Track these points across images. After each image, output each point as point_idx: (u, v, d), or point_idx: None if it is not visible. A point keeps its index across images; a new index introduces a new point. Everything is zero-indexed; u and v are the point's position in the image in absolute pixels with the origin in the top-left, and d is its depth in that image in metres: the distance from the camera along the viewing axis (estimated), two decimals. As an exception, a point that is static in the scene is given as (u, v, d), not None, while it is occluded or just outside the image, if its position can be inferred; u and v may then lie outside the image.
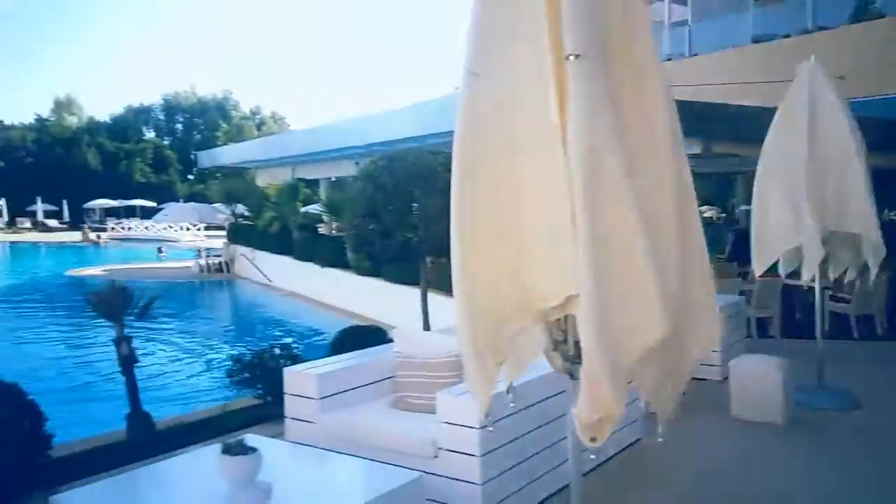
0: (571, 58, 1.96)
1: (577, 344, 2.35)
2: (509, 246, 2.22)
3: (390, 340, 6.25)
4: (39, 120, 65.79)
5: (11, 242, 44.75)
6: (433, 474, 4.15)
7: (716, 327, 2.41)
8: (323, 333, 13.87)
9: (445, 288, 9.85)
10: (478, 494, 4.09)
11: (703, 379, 7.16)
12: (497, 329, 2.33)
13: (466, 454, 4.11)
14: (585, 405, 2.03)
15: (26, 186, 53.85)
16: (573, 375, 2.39)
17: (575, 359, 2.37)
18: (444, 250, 6.86)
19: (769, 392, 6.08)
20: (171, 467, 4.06)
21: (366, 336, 6.53)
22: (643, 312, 2.04)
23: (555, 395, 4.57)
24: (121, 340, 5.49)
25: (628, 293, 2.03)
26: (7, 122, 64.03)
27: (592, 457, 2.67)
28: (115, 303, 5.36)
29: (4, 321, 17.95)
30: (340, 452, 4.30)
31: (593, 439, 2.13)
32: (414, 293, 11.09)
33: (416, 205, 6.43)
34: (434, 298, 8.07)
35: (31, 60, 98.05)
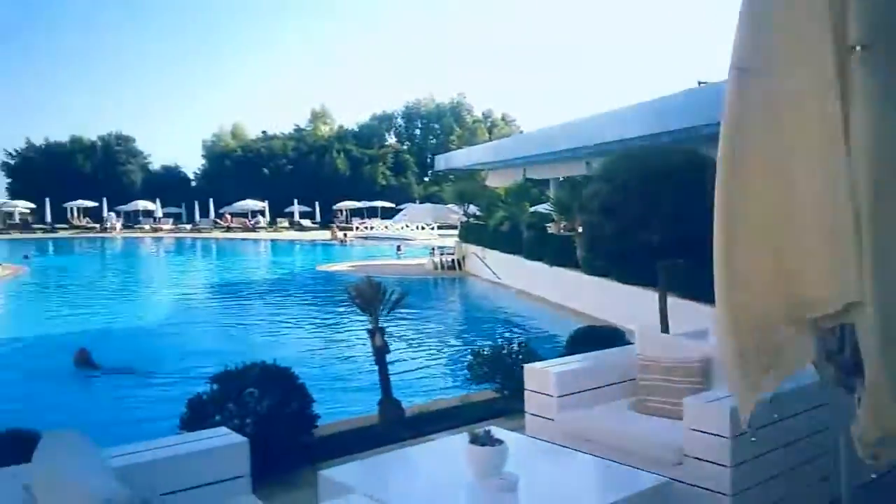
0: (857, 49, 1.83)
1: (854, 354, 2.18)
2: (779, 249, 2.11)
3: (628, 342, 6.17)
4: (298, 130, 72.95)
5: (272, 240, 50.04)
6: (676, 481, 4.04)
7: None
8: (553, 332, 13.95)
9: (681, 291, 9.40)
10: (726, 507, 3.92)
11: None
12: (763, 336, 2.23)
13: (716, 464, 3.95)
14: (869, 421, 1.89)
15: (285, 190, 59.99)
16: (849, 388, 2.22)
17: (852, 371, 2.20)
18: (685, 252, 6.64)
19: None
20: (421, 452, 4.33)
21: (602, 336, 6.49)
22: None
23: (816, 407, 4.25)
24: (374, 332, 5.95)
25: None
26: (270, 132, 71.68)
27: (873, 476, 2.45)
28: (371, 297, 5.81)
29: (271, 311, 20.14)
30: (581, 451, 4.33)
31: (875, 456, 1.97)
32: (646, 295, 10.82)
33: (656, 204, 6.24)
34: (673, 302, 7.80)
35: (289, 78, 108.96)
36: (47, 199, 53.90)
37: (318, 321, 18.15)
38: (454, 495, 3.61)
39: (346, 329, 15.74)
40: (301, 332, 16.37)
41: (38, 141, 63.86)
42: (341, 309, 18.34)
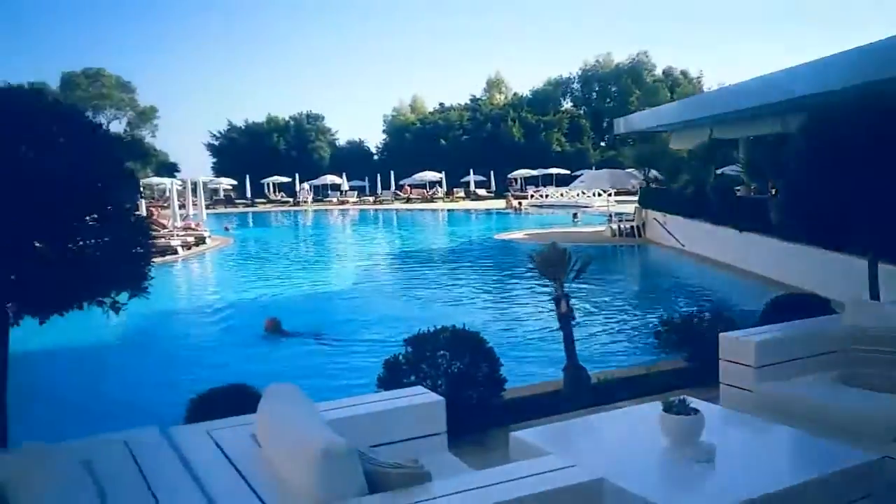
0: None
1: None
2: None
3: (833, 312, 5.74)
4: (473, 100, 73.75)
5: (449, 210, 51.20)
6: (892, 458, 3.73)
7: None
8: (744, 302, 13.24)
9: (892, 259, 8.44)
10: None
11: None
12: None
13: (941, 443, 3.61)
14: None
15: (461, 160, 61.08)
16: None
17: None
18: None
19: None
20: (612, 418, 4.30)
21: (805, 305, 6.08)
22: None
23: None
24: (560, 298, 5.96)
25: None
26: (447, 104, 73.08)
27: None
28: (556, 263, 5.82)
29: (450, 280, 20.71)
30: (782, 425, 4.11)
31: None
32: (852, 263, 9.93)
33: (873, 162, 5.67)
34: (884, 269, 7.11)
35: (465, 47, 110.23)
36: (247, 176, 58.49)
37: (496, 290, 18.41)
38: (647, 462, 3.57)
39: (525, 298, 15.87)
40: (480, 301, 16.69)
41: (239, 122, 69.40)
42: (517, 279, 18.52)
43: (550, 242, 6.08)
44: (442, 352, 5.05)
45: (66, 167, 3.77)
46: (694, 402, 3.75)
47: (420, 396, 3.79)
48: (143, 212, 29.57)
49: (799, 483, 3.24)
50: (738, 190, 21.28)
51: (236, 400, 4.24)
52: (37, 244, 3.92)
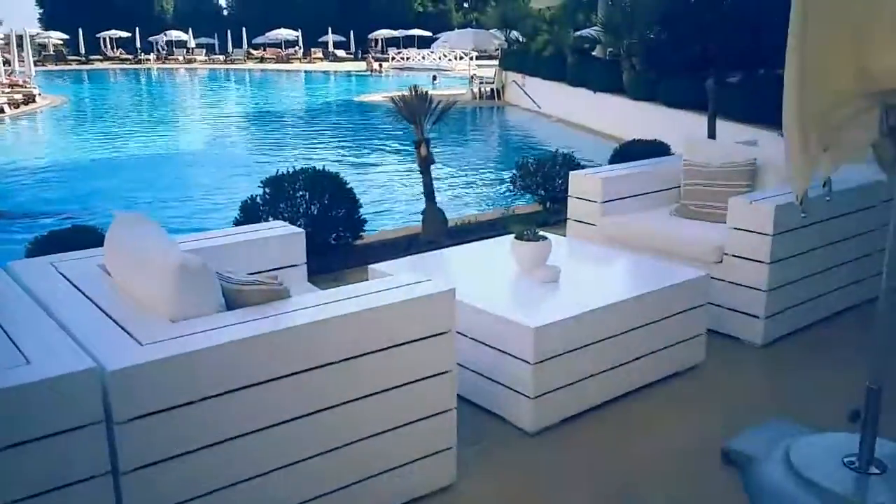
0: None
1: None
2: (854, 15, 2.04)
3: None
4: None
5: (306, 71, 49.19)
6: (716, 279, 4.15)
7: None
8: (596, 158, 13.88)
9: (732, 114, 8.95)
10: (761, 301, 4.05)
11: None
12: (828, 109, 2.21)
13: (755, 260, 4.04)
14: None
15: (319, 19, 58.07)
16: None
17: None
18: (745, 62, 6.34)
19: None
20: (467, 250, 4.47)
21: (649, 151, 6.44)
22: None
23: (866, 209, 4.28)
24: (420, 143, 5.97)
25: None
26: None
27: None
28: (417, 107, 5.79)
29: (309, 140, 20.22)
30: (622, 251, 4.44)
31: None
32: (694, 118, 10.54)
33: (717, 13, 5.90)
34: (720, 124, 7.57)
35: None
36: (80, 30, 53.06)
37: (354, 150, 18.22)
38: (500, 284, 3.77)
39: (383, 158, 15.81)
40: (336, 156, 16.46)
41: (67, -33, 62.03)
42: (377, 139, 18.34)
43: (412, 86, 6.01)
44: (301, 192, 4.99)
45: None
46: (544, 234, 3.95)
47: (279, 229, 3.77)
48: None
49: (635, 295, 3.55)
50: (594, 52, 21.67)
51: (79, 238, 4.02)
52: None
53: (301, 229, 3.73)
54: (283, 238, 3.67)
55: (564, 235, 5.08)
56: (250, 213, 5.06)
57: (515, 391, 3.27)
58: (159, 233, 3.00)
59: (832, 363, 3.94)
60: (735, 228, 4.12)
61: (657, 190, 5.15)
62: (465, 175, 13.50)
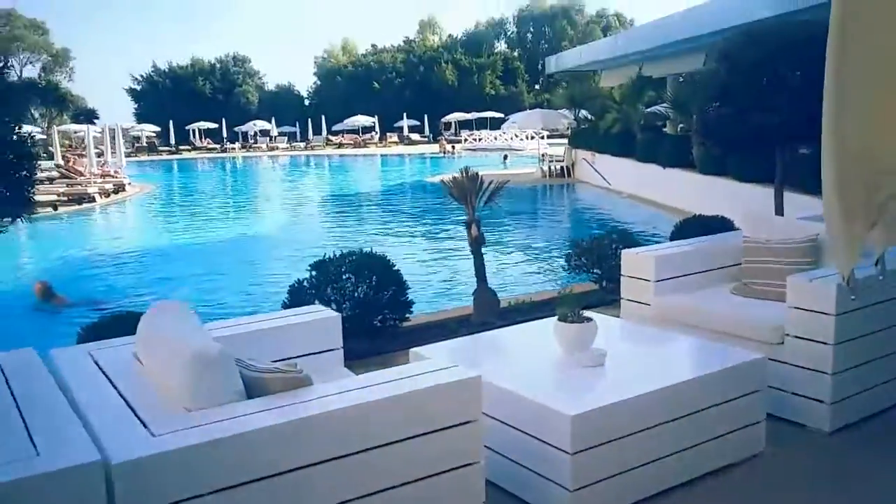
0: None
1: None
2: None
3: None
4: (407, 41, 72.32)
5: (382, 154, 50.65)
6: (777, 361, 3.89)
7: None
8: (661, 232, 13.60)
9: (804, 186, 8.69)
10: (827, 384, 3.75)
11: None
12: (871, 185, 2.05)
13: (818, 342, 3.76)
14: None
15: (395, 104, 60.16)
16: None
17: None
18: (810, 132, 6.08)
19: None
20: (512, 333, 4.34)
21: (710, 226, 6.22)
22: None
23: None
24: (471, 223, 5.95)
25: None
26: (379, 46, 71.49)
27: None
28: (467, 187, 5.79)
29: (379, 217, 20.61)
30: (674, 332, 4.22)
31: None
32: (766, 193, 10.22)
33: (779, 81, 5.76)
34: (790, 197, 7.30)
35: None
36: (171, 122, 56.40)
37: (421, 227, 18.43)
38: (541, 367, 3.62)
39: (449, 232, 15.91)
40: (407, 235, 16.66)
41: (163, 65, 66.59)
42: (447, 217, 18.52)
43: (463, 167, 6.04)
44: (347, 275, 5.00)
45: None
46: (591, 315, 3.81)
47: (315, 313, 3.75)
48: (60, 160, 28.38)
49: (684, 380, 3.34)
50: (665, 128, 21.59)
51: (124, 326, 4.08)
52: None
53: (337, 313, 3.70)
54: (319, 322, 3.64)
55: (619, 316, 4.90)
56: (298, 296, 5.09)
57: (555, 482, 3.08)
58: (190, 320, 3.01)
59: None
60: (796, 308, 3.87)
61: (716, 267, 4.94)
62: (531, 252, 13.40)
